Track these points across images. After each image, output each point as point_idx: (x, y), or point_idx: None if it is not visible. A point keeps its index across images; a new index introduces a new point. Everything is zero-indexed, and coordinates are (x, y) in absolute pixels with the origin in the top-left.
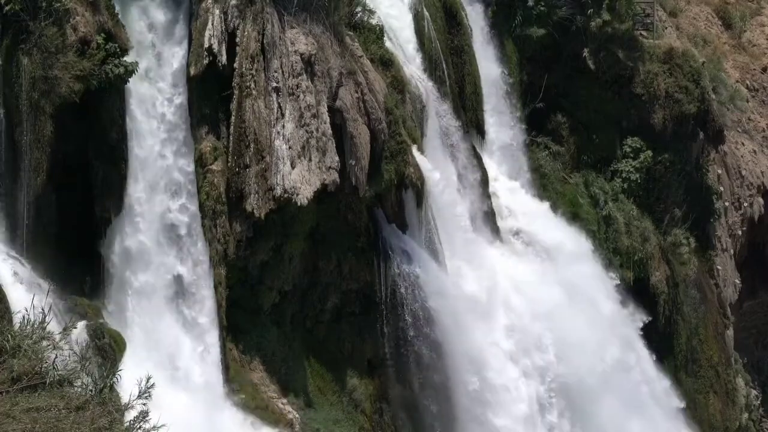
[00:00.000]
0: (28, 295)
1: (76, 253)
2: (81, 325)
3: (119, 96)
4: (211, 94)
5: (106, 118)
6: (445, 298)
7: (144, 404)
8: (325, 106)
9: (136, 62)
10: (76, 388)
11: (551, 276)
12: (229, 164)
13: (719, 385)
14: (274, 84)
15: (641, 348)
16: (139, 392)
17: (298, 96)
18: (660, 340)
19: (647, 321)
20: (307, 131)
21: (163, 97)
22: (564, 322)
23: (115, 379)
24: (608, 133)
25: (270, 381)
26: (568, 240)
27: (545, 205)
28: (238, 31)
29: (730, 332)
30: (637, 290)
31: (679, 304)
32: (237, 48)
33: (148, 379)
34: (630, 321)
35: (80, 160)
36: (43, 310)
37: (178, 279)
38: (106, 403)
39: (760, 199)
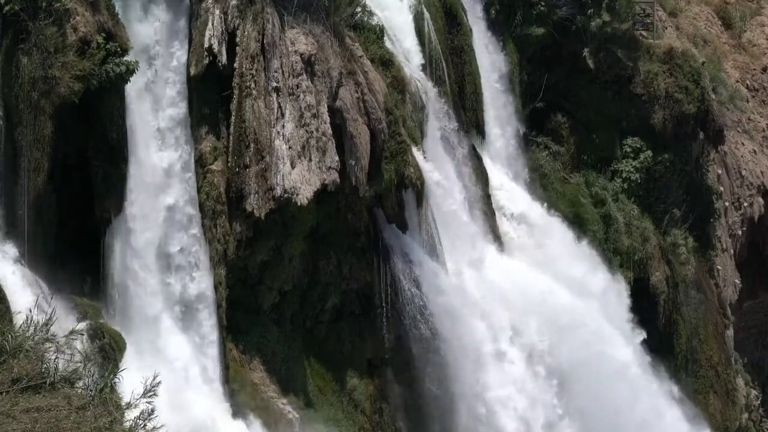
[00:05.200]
0: (28, 295)
1: (76, 253)
2: (81, 325)
3: (119, 96)
4: (211, 94)
5: (106, 118)
6: (445, 298)
7: (149, 403)
8: (325, 106)
9: (137, 61)
10: (77, 389)
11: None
12: (229, 164)
13: (719, 385)
14: (274, 84)
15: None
16: (145, 391)
17: (298, 96)
18: (660, 340)
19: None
20: (307, 131)
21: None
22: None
23: (116, 380)
24: (608, 133)
25: (270, 381)
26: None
27: (544, 209)
28: (238, 31)
29: (730, 332)
30: (637, 290)
31: (679, 304)
32: (237, 48)
33: (155, 377)
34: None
35: (80, 160)
36: (47, 313)
37: (178, 279)
38: (106, 402)
39: (760, 199)
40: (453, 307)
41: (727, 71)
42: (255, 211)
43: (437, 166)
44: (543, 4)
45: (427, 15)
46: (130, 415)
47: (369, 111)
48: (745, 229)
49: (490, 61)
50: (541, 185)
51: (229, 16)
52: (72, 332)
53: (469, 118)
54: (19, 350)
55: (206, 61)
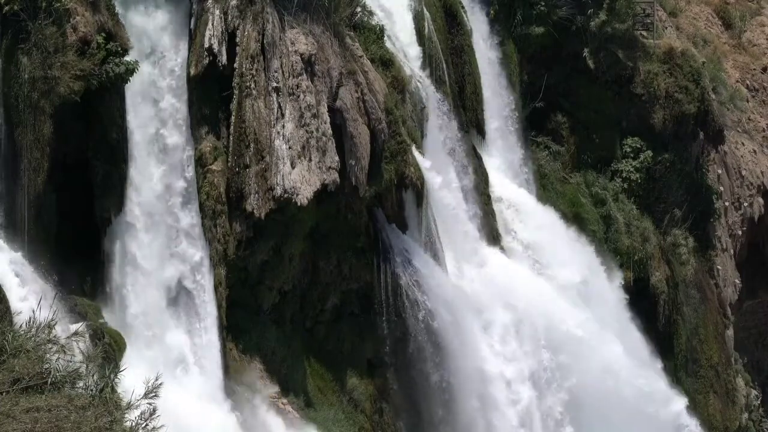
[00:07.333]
0: (28, 296)
1: (76, 253)
2: (81, 326)
3: (119, 96)
4: (211, 94)
5: (106, 118)
6: (445, 298)
7: (150, 403)
8: (325, 106)
9: (137, 61)
10: (77, 389)
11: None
12: (229, 164)
13: (719, 385)
14: (274, 84)
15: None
16: (146, 391)
17: (298, 96)
18: (660, 340)
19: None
20: (307, 131)
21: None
22: (563, 322)
23: (116, 380)
24: (608, 133)
25: (270, 381)
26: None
27: (549, 211)
28: (238, 31)
29: (730, 332)
30: (637, 290)
31: (679, 304)
32: (237, 48)
33: (157, 378)
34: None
35: (80, 160)
36: (49, 314)
37: (178, 279)
38: (107, 402)
39: (760, 199)
40: (453, 307)
41: (727, 71)
42: (255, 211)
43: (437, 166)
44: (543, 4)
45: (427, 15)
46: (131, 414)
47: (369, 111)
48: (745, 229)
49: (490, 61)
50: (541, 185)
51: (229, 16)
52: (75, 333)
53: (469, 118)
54: (20, 350)
55: (206, 61)
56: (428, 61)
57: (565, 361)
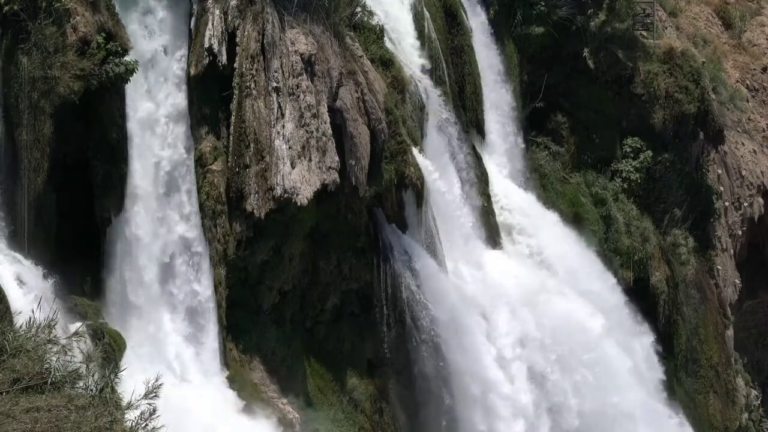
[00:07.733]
0: (28, 296)
1: (77, 253)
2: (81, 325)
3: (119, 96)
4: (211, 94)
5: (106, 118)
6: (445, 298)
7: (150, 404)
8: (325, 106)
9: (137, 61)
10: (77, 389)
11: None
12: (229, 164)
13: (719, 385)
14: (274, 84)
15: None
16: (146, 392)
17: (298, 96)
18: (660, 340)
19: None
20: (307, 131)
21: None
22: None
23: (116, 380)
24: (608, 133)
25: (270, 381)
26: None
27: (552, 214)
28: (238, 31)
29: (730, 332)
30: (637, 290)
31: (679, 304)
32: (237, 48)
33: (157, 378)
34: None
35: (80, 160)
36: (49, 314)
37: (178, 279)
38: (107, 402)
39: (760, 199)
40: (452, 307)
41: (727, 71)
42: (255, 211)
43: (437, 166)
44: (543, 4)
45: (427, 15)
46: (131, 415)
47: (369, 111)
48: (745, 229)
49: (489, 61)
50: (541, 185)
51: (229, 16)
52: (75, 333)
53: (469, 118)
54: (20, 350)
55: (206, 61)
56: (428, 61)
57: (568, 359)
